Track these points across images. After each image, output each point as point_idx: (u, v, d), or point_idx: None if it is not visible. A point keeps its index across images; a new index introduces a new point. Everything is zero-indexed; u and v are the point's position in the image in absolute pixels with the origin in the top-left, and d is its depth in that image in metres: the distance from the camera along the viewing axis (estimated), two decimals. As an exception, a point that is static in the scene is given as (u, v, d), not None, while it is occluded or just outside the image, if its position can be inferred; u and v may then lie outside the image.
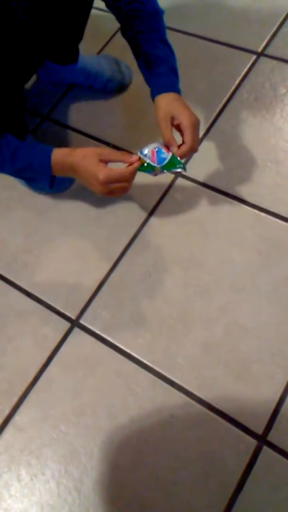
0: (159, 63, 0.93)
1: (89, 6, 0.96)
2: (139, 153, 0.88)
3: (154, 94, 0.92)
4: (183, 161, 0.88)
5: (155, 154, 0.87)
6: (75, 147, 0.88)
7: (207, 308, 0.93)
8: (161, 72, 0.93)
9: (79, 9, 0.94)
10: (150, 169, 0.87)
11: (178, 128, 0.89)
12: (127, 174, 0.85)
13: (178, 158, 0.87)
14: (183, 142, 0.88)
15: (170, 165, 0.87)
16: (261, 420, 0.82)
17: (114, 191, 0.86)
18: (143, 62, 0.95)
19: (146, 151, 0.87)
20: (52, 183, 0.94)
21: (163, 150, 0.87)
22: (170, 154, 0.87)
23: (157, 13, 0.94)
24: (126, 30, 0.95)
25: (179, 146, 0.88)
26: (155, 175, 0.89)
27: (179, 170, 0.88)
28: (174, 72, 0.94)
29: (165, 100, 0.90)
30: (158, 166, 0.87)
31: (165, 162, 0.87)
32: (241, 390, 0.85)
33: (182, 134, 0.88)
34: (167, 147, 0.88)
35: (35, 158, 0.88)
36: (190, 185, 1.08)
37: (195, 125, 0.88)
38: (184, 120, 0.87)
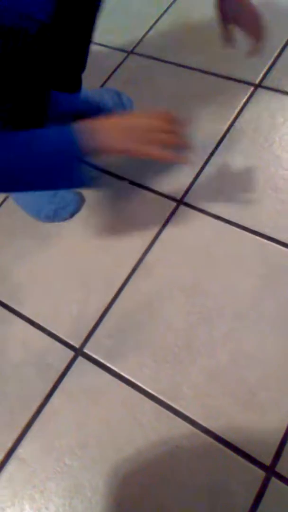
0: None
1: (91, 29, 0.98)
2: None
3: None
4: None
5: None
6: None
7: (212, 336, 0.93)
8: None
9: (81, 30, 0.97)
10: None
11: None
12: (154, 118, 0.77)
13: None
14: None
15: None
16: (269, 450, 0.81)
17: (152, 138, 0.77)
18: None
19: None
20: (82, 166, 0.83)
21: None
22: None
23: None
24: None
25: None
26: None
27: None
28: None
29: None
30: None
31: None
32: (248, 419, 0.84)
33: None
34: None
35: (56, 137, 0.81)
36: (192, 212, 1.09)
37: None
38: None
